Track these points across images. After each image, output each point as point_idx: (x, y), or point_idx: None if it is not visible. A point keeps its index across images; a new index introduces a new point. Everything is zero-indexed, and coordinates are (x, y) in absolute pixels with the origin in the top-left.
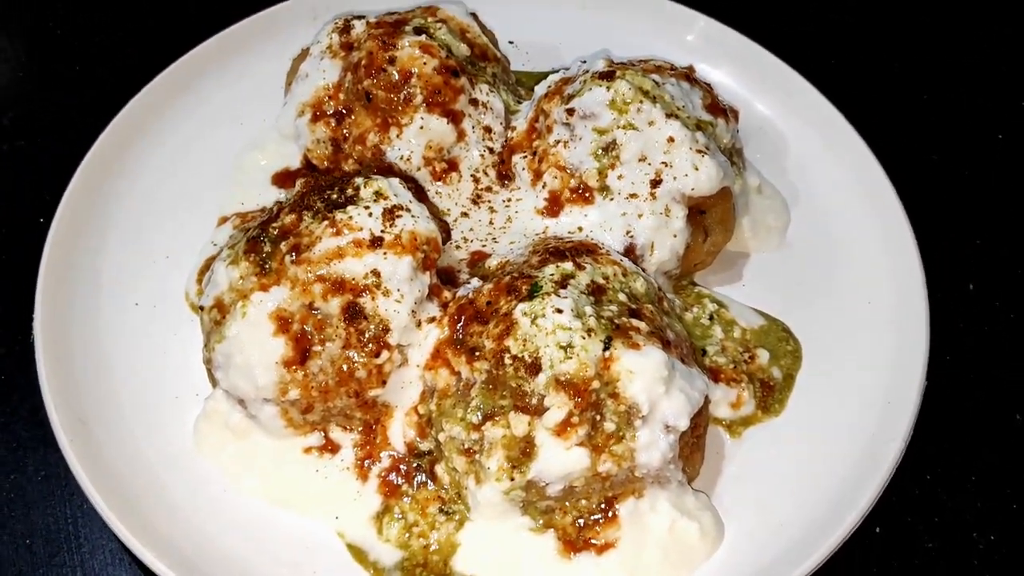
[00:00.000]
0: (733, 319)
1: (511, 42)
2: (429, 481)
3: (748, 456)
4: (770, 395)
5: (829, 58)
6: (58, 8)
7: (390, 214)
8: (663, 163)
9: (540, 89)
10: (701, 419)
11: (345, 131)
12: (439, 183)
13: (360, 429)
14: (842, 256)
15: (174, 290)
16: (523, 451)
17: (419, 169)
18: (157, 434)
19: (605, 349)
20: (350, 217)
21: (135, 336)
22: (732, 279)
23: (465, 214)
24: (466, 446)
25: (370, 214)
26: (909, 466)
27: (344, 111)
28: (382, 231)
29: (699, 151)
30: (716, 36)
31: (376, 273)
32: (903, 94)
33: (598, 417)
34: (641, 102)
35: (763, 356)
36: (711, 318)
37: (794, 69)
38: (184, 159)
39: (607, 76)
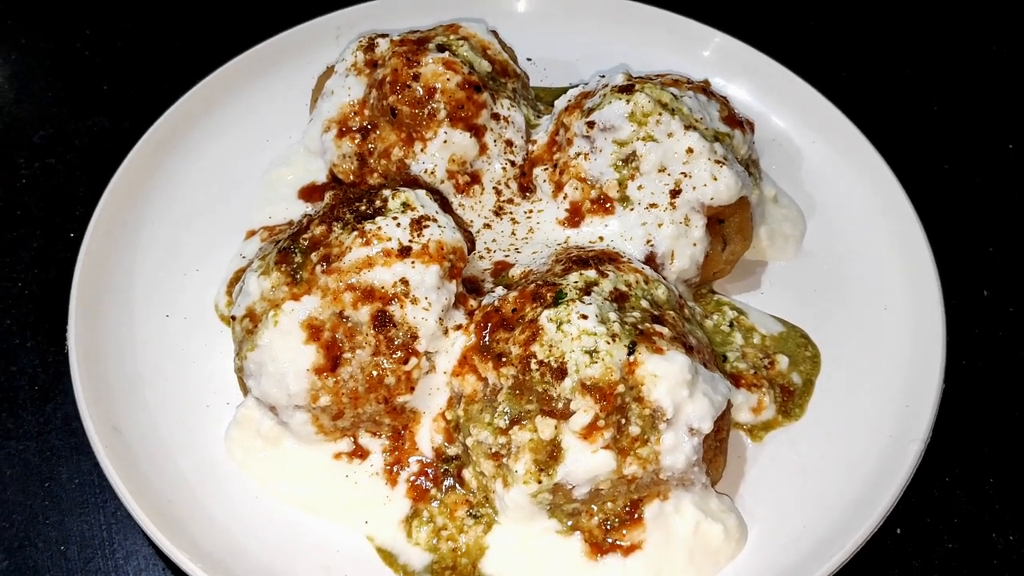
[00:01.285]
0: (752, 326)
1: (529, 59)
2: (457, 485)
3: (770, 459)
4: (790, 400)
5: (840, 71)
6: (87, 31)
7: (417, 224)
8: (682, 174)
9: (560, 103)
10: (724, 423)
11: (370, 146)
12: (462, 195)
13: (389, 435)
14: (858, 264)
15: (204, 302)
16: (550, 454)
17: (443, 182)
18: (189, 441)
19: (630, 354)
20: (379, 227)
21: (166, 347)
22: (750, 287)
23: (488, 225)
24: (493, 450)
25: (398, 224)
26: (928, 468)
27: (369, 126)
28: (410, 241)
29: (717, 162)
30: (731, 51)
31: (405, 282)
32: (914, 105)
33: (623, 420)
34: (660, 114)
35: (782, 362)
36: (731, 325)
37: (807, 82)
38: (211, 175)
39: (626, 89)
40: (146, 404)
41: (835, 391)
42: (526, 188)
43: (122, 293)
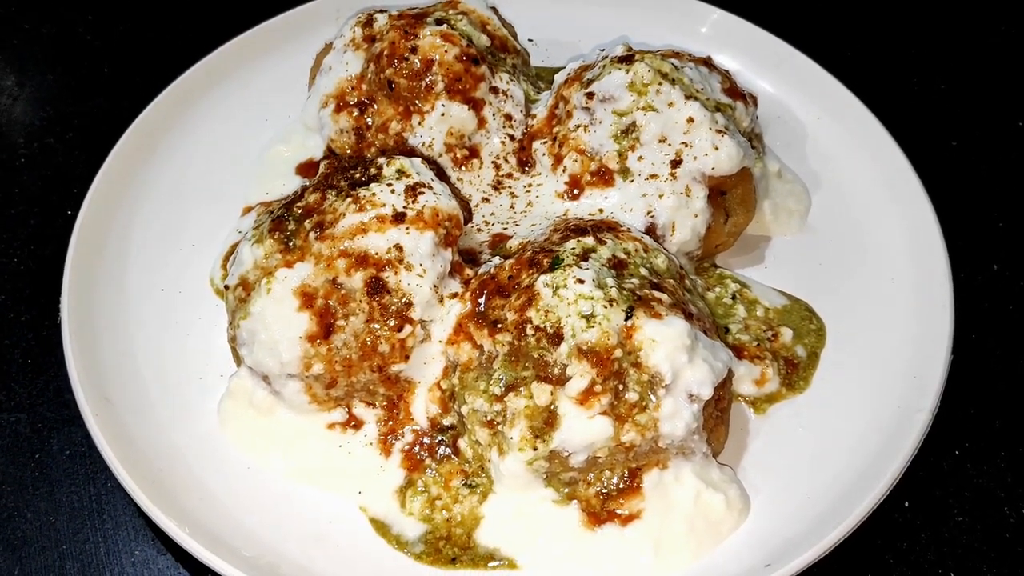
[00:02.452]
0: (756, 298)
1: (530, 39)
2: (452, 455)
3: (773, 431)
4: (794, 372)
5: (845, 49)
6: (87, 15)
7: (412, 191)
8: (683, 143)
9: (560, 77)
10: (725, 391)
11: (368, 120)
12: (461, 169)
13: (383, 404)
14: (864, 238)
15: (199, 277)
16: (546, 421)
17: (440, 156)
18: (181, 413)
19: (627, 318)
20: (373, 194)
21: (160, 320)
22: (754, 261)
23: (486, 199)
24: (488, 418)
25: (392, 191)
26: (937, 441)
27: (367, 101)
28: (404, 207)
29: (719, 131)
30: (732, 28)
31: (399, 248)
32: (920, 82)
33: (621, 386)
34: (660, 84)
35: (786, 334)
36: (733, 297)
37: (812, 59)
38: (210, 153)
39: (626, 60)
40: (139, 376)
41: (841, 363)
42: (525, 162)
43: (117, 267)
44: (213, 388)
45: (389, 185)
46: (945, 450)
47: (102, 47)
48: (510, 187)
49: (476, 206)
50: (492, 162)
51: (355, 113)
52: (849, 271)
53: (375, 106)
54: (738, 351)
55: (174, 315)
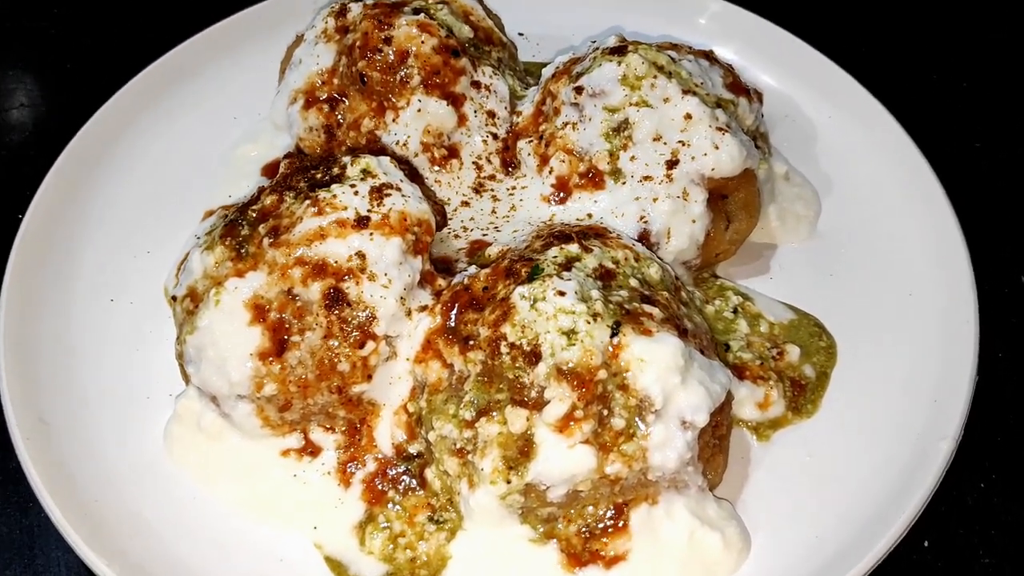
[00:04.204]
0: (760, 313)
1: (521, 34)
2: (418, 487)
3: (778, 461)
4: (801, 394)
5: (860, 45)
6: (53, 9)
7: (378, 193)
8: (680, 142)
9: (547, 71)
10: (723, 417)
11: (339, 117)
12: (438, 170)
13: (343, 430)
14: (880, 247)
15: (153, 286)
16: (521, 450)
17: (416, 155)
18: (125, 436)
19: (613, 335)
20: (334, 196)
21: (108, 332)
22: (758, 271)
23: (466, 203)
24: (458, 446)
25: (356, 193)
26: (960, 472)
27: (338, 96)
28: (368, 211)
29: (719, 129)
30: (740, 22)
31: (361, 256)
32: (942, 80)
33: (605, 411)
34: (655, 77)
35: (793, 352)
36: (735, 311)
37: (823, 54)
38: (173, 153)
39: (618, 51)
40: (80, 394)
41: (853, 385)
42: (509, 163)
43: (63, 275)
44: (161, 409)
45: (352, 186)
46: (970, 483)
47: (66, 41)
48: (492, 190)
49: (454, 210)
50: (473, 163)
51: (325, 109)
52: (863, 283)
53: (347, 102)
54: (739, 371)
55: (123, 327)
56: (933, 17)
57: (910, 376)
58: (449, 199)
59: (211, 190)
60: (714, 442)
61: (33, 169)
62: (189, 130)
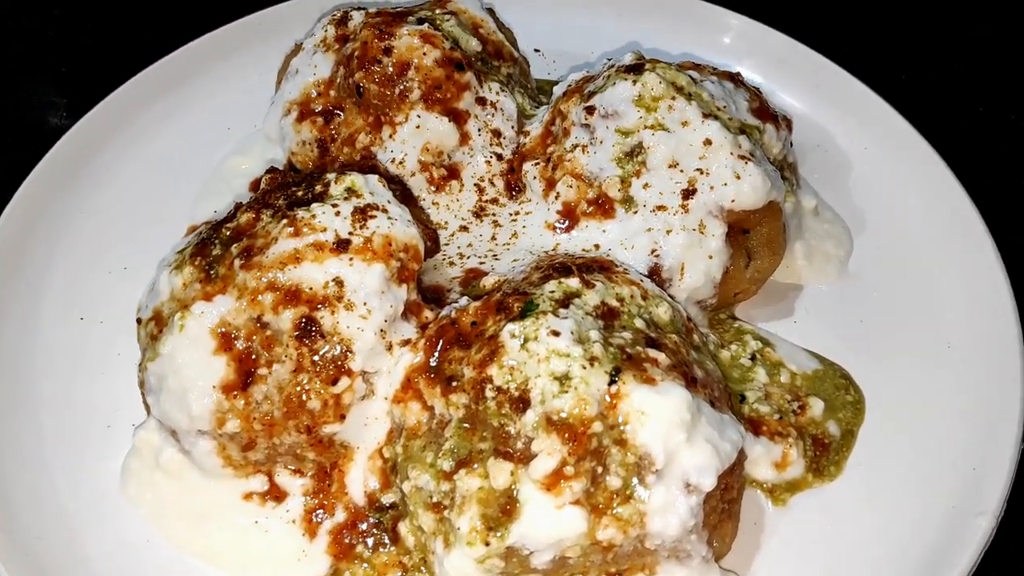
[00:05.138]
0: (781, 360)
1: (537, 50)
2: (390, 542)
3: (794, 529)
4: (824, 455)
5: (899, 72)
6: (54, 11)
7: (362, 214)
8: (698, 170)
9: (559, 89)
10: (734, 479)
11: (333, 131)
12: (437, 192)
13: (312, 474)
14: (917, 292)
15: (126, 305)
16: (503, 508)
17: (413, 175)
18: (79, 468)
19: (611, 383)
20: (312, 215)
21: (74, 355)
22: (781, 314)
23: (464, 228)
24: (434, 499)
25: (337, 213)
26: (1001, 553)
27: (334, 109)
28: (350, 233)
29: (742, 157)
30: (772, 46)
31: (339, 282)
32: (988, 113)
33: (599, 469)
34: (673, 99)
35: (816, 407)
36: (753, 358)
37: (860, 81)
38: (160, 164)
39: (634, 69)
40: (36, 421)
41: (882, 446)
42: (514, 186)
43: (32, 288)
44: (122, 440)
45: (335, 206)
46: (1013, 564)
47: (64, 45)
48: (494, 215)
49: (451, 235)
50: (475, 184)
51: (319, 122)
52: (897, 332)
53: (343, 116)
54: (755, 425)
55: (90, 349)
56: (979, 46)
57: (947, 439)
58: (447, 223)
59: (197, 204)
60: (722, 506)
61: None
62: (178, 141)
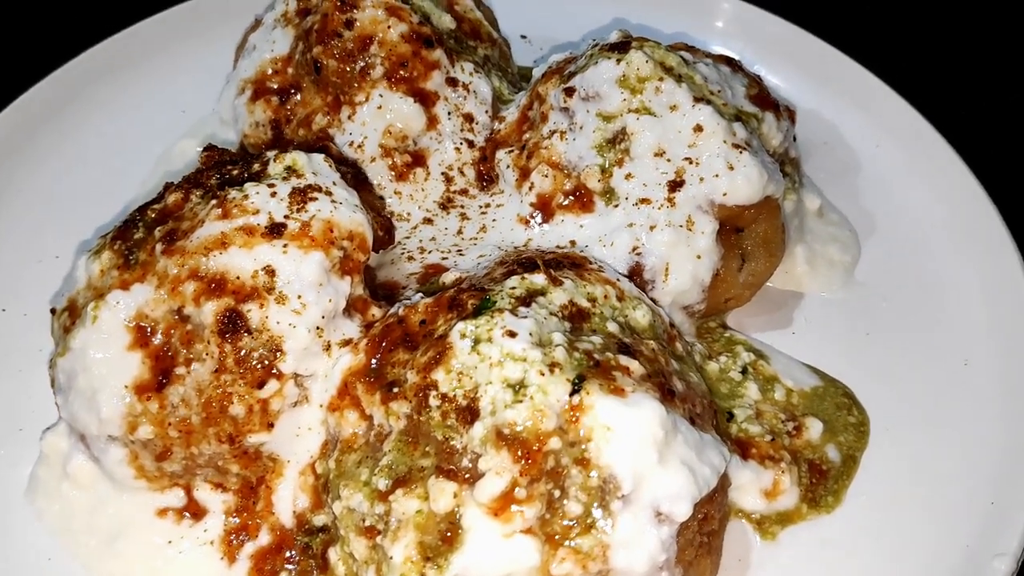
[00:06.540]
0: (775, 375)
1: (524, 36)
2: (318, 571)
3: (785, 567)
4: (821, 483)
5: (916, 65)
6: None
7: (301, 195)
8: (687, 160)
9: (539, 70)
10: (714, 508)
11: (289, 112)
12: (400, 181)
13: (236, 489)
14: (930, 303)
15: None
16: (443, 536)
17: (374, 161)
18: None
19: (573, 392)
20: (245, 196)
21: None
22: (778, 324)
23: (429, 220)
24: (367, 522)
25: (273, 194)
26: None
27: (290, 88)
28: (286, 217)
29: (736, 146)
30: (779, 36)
31: (269, 271)
32: (1012, 107)
33: (556, 492)
34: (661, 80)
35: (814, 428)
36: (744, 371)
37: (874, 74)
38: (102, 149)
39: (619, 47)
40: None
41: (887, 475)
42: (485, 176)
43: None
44: (32, 445)
45: (271, 186)
46: None
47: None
48: (462, 206)
49: (414, 228)
50: (442, 173)
51: (274, 102)
52: (907, 347)
53: (300, 95)
54: (744, 447)
55: (10, 343)
56: (1004, 37)
57: (961, 469)
58: (409, 214)
59: (142, 191)
60: (700, 539)
61: None
62: (126, 125)
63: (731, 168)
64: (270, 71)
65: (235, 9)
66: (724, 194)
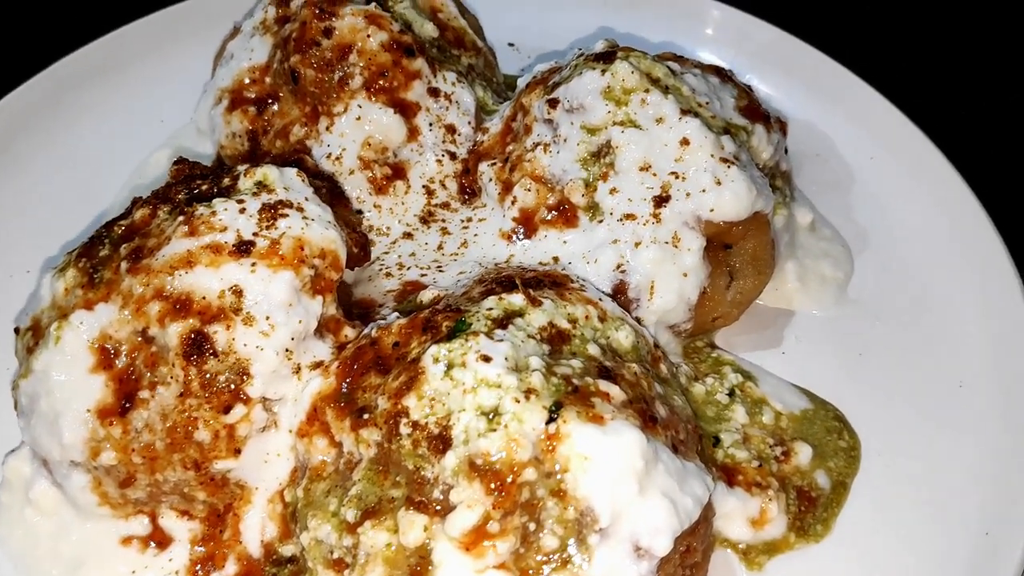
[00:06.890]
0: (764, 397)
1: (511, 44)
2: None
3: None
4: (810, 510)
5: (911, 76)
6: None
7: (271, 212)
8: (673, 174)
9: (523, 80)
10: (697, 540)
11: (266, 122)
12: (379, 194)
13: (203, 517)
14: (925, 322)
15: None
16: (413, 570)
17: (352, 173)
18: None
19: (550, 421)
20: (212, 212)
21: None
22: (768, 344)
23: (409, 235)
24: (335, 555)
25: (242, 210)
26: None
27: (268, 98)
28: (255, 234)
29: (724, 160)
30: (772, 45)
31: (236, 292)
32: (1009, 122)
33: (532, 525)
34: (647, 91)
35: (803, 453)
36: (732, 393)
37: (868, 84)
38: (81, 160)
39: (604, 57)
40: None
41: (879, 502)
42: (468, 189)
43: None
44: None
45: (240, 202)
46: None
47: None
48: (443, 220)
49: (393, 243)
50: (423, 186)
51: (251, 112)
52: (900, 368)
53: (278, 105)
54: (730, 474)
55: None
56: (1001, 48)
57: (956, 496)
58: (389, 228)
59: (115, 204)
60: (683, 573)
61: None
62: (106, 132)
63: (718, 183)
64: (247, 80)
65: (215, 16)
66: (711, 210)
